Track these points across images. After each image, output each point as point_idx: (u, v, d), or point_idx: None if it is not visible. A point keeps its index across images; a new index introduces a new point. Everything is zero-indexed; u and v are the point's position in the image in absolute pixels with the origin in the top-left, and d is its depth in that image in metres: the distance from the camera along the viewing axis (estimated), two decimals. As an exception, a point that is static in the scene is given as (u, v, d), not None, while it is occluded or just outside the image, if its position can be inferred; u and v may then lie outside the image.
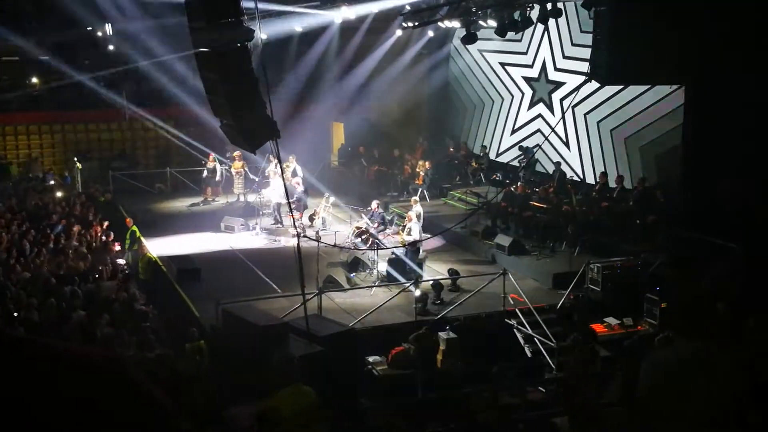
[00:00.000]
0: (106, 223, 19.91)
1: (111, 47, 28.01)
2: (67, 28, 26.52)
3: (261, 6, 14.25)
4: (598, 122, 21.67)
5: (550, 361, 13.99)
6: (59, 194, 23.90)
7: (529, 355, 14.36)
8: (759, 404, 3.45)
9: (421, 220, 18.08)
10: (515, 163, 24.19)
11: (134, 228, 19.04)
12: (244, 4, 11.66)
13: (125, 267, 17.36)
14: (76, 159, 27.18)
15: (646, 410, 3.53)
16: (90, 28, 27.98)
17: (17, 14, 27.89)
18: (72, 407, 1.11)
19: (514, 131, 25.79)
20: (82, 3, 25.30)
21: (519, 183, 20.81)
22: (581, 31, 21.51)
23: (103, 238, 18.90)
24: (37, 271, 15.45)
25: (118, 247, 18.51)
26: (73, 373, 1.13)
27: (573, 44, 22.30)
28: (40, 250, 16.76)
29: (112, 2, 25.88)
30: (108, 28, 27.84)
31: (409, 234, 17.29)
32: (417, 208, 18.38)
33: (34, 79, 29.22)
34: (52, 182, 26.23)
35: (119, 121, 29.77)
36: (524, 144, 24.67)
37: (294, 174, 23.06)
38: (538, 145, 22.70)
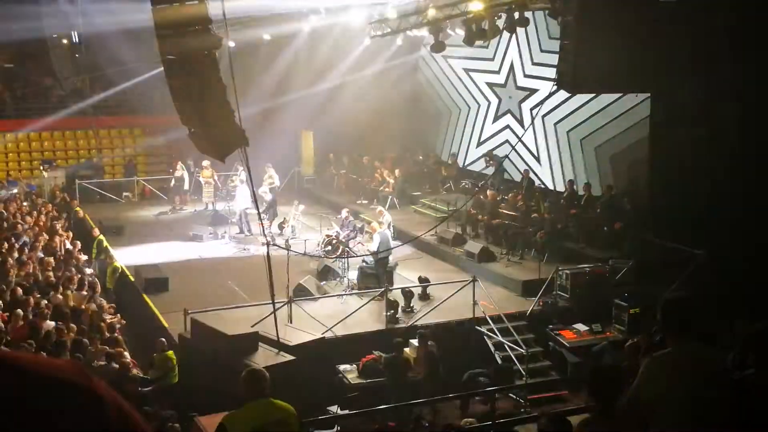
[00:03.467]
0: (71, 234, 19.67)
1: (78, 55, 27.73)
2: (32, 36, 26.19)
3: (229, 13, 14.18)
4: (565, 131, 21.87)
5: (520, 368, 14.07)
6: (24, 204, 23.56)
7: (499, 361, 14.42)
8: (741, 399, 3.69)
9: (391, 229, 18.09)
10: (485, 170, 24.32)
11: (101, 237, 18.85)
12: (212, 12, 11.61)
13: (92, 277, 17.16)
14: (41, 167, 26.84)
15: (648, 412, 3.73)
16: (55, 36, 27.69)
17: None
18: (38, 419, 1.10)
19: (482, 139, 25.94)
20: (47, 10, 25.08)
21: (488, 191, 20.93)
22: (549, 38, 21.70)
23: (70, 247, 18.67)
24: (3, 282, 15.21)
25: (85, 257, 18.30)
26: (39, 385, 1.12)
27: (541, 52, 22.49)
28: (5, 260, 16.49)
29: (78, 9, 25.63)
30: (74, 36, 27.54)
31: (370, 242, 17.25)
32: (386, 218, 18.42)
33: (3, 85, 28.80)
34: (15, 191, 25.85)
35: (85, 129, 29.46)
36: (492, 151, 24.81)
37: (271, 182, 23.07)
38: (506, 156, 22.83)
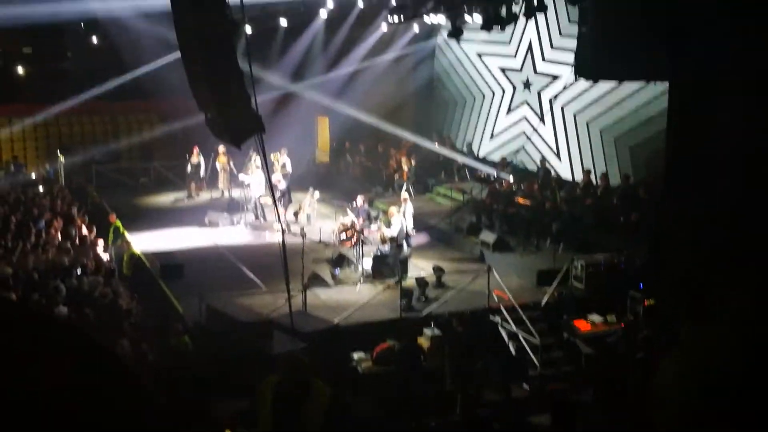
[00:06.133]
0: (87, 219, 19.73)
1: (95, 39, 27.72)
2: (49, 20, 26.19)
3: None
4: (585, 121, 21.73)
5: (533, 358, 14.02)
6: (41, 188, 23.66)
7: (513, 352, 14.37)
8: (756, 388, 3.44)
9: (409, 218, 17.81)
10: (499, 160, 24.20)
11: (118, 223, 18.89)
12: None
13: (109, 262, 17.22)
14: (59, 152, 26.92)
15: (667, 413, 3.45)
16: (73, 20, 27.68)
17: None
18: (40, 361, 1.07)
19: (496, 132, 25.82)
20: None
21: (503, 180, 20.85)
22: (569, 22, 21.52)
23: (86, 232, 18.74)
24: (20, 266, 15.29)
25: (101, 243, 18.37)
26: (41, 331, 1.11)
27: (561, 37, 22.32)
28: (24, 245, 16.59)
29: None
30: (91, 20, 27.54)
31: (388, 227, 17.11)
32: (407, 206, 18.04)
33: (20, 70, 28.78)
34: (33, 176, 25.94)
35: (102, 114, 29.52)
36: (508, 149, 24.61)
37: (283, 167, 23.03)
38: (522, 147, 22.70)
